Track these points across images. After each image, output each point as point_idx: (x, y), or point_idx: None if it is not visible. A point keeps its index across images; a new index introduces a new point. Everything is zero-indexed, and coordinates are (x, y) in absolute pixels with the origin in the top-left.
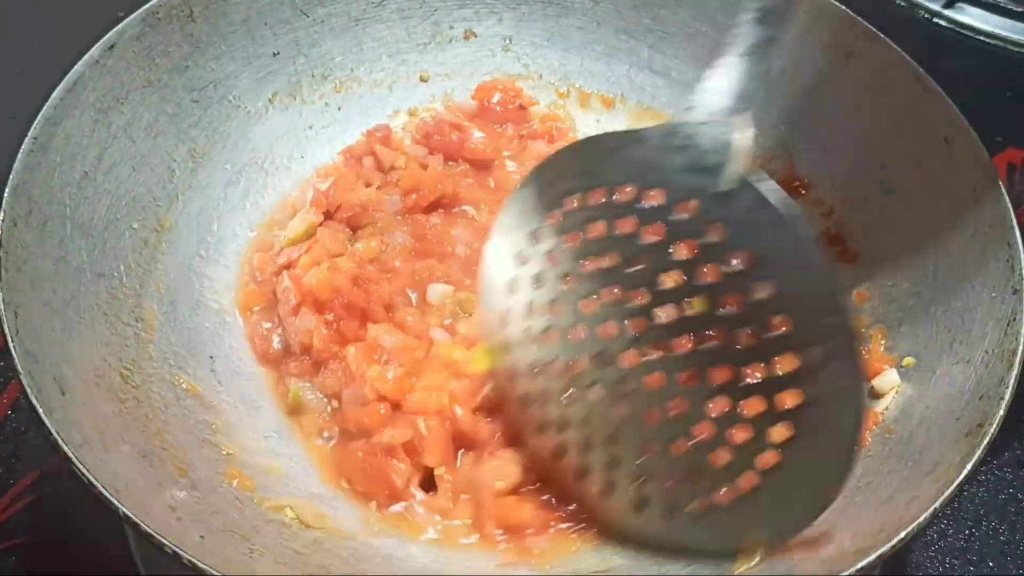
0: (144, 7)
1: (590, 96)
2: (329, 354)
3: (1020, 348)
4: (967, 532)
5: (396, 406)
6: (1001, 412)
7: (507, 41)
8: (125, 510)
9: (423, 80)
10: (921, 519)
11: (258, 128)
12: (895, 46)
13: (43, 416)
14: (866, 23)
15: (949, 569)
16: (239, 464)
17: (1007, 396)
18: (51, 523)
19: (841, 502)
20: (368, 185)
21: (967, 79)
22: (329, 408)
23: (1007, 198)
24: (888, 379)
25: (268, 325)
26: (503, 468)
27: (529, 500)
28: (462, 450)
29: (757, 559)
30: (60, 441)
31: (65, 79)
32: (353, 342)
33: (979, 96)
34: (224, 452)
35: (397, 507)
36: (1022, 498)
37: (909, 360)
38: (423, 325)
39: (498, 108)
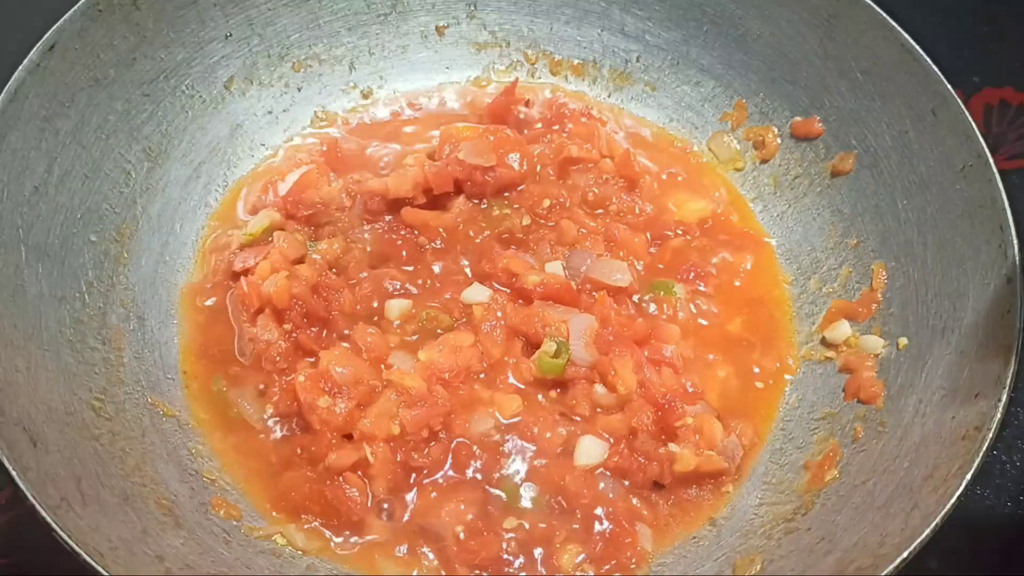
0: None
1: (561, 63)
2: (277, 369)
3: (1016, 343)
4: None
5: (346, 436)
6: (998, 415)
7: (471, 7)
8: None
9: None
10: (923, 536)
11: (215, 118)
12: (879, 10)
13: (16, 478)
14: None
15: None
16: (223, 491)
17: (1004, 397)
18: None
19: (838, 502)
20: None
21: (942, 14)
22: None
23: (999, 179)
24: (840, 331)
25: (213, 330)
26: (456, 511)
27: (494, 535)
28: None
29: (758, 567)
30: (38, 506)
31: (5, 89)
32: (310, 355)
33: (955, 33)
34: (206, 479)
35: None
36: None
37: (903, 341)
38: (383, 344)
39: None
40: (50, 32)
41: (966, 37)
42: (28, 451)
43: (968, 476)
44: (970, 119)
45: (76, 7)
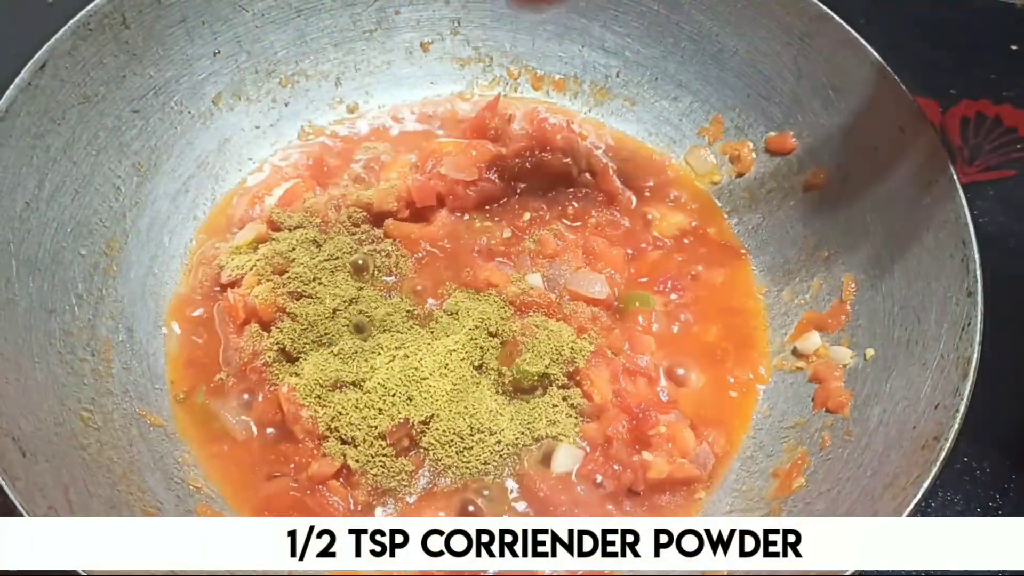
0: (74, 19)
1: (543, 78)
2: (262, 379)
3: (974, 356)
4: None
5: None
6: (956, 425)
7: (455, 24)
8: None
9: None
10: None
11: (203, 133)
12: (851, 29)
13: (6, 487)
14: (820, 4)
15: None
16: (208, 499)
17: (962, 408)
18: None
19: (804, 509)
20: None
21: (922, 28)
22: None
23: (963, 195)
24: (811, 342)
25: (200, 340)
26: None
27: None
28: None
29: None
30: (26, 515)
31: None
32: (295, 362)
33: (933, 46)
34: (192, 487)
35: None
36: None
37: (870, 352)
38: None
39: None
40: (41, 51)
41: (943, 50)
42: (17, 461)
43: (925, 485)
44: (936, 136)
45: (66, 26)
